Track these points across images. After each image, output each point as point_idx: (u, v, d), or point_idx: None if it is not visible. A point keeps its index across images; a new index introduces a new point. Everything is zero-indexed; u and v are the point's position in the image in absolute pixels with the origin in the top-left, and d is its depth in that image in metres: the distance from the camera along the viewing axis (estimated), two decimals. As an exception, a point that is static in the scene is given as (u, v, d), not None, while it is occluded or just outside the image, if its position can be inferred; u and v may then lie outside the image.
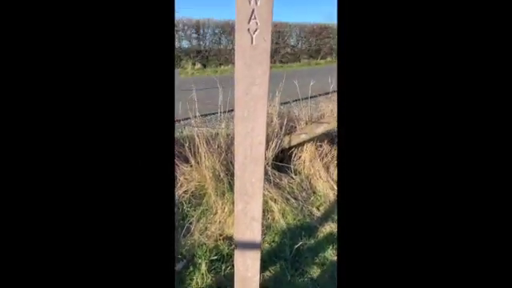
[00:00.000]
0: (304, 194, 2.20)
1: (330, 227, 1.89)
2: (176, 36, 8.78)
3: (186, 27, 9.02)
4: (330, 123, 2.01)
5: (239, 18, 0.70)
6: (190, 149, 1.92)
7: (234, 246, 1.15)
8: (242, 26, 0.70)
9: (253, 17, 0.69)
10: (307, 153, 2.34)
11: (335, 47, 11.39)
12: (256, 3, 0.67)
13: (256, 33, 0.70)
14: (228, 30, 9.20)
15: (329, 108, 2.46)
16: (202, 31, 9.24)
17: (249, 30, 0.70)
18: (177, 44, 8.85)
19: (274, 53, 9.78)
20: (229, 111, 2.28)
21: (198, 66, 8.80)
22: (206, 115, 3.55)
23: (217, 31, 9.34)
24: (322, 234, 1.82)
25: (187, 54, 8.99)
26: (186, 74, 7.82)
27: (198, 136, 1.91)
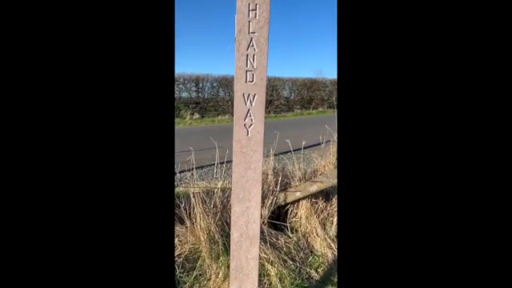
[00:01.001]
0: (301, 254, 2.14)
1: (330, 293, 1.80)
2: (176, 89, 9.38)
3: (186, 81, 9.71)
4: (323, 182, 2.08)
5: (237, 115, 0.81)
6: (186, 209, 1.92)
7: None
8: (239, 121, 0.82)
9: (248, 114, 0.81)
10: (303, 209, 2.35)
11: (326, 98, 12.21)
12: (251, 104, 0.80)
13: (251, 127, 0.81)
14: (225, 83, 9.92)
15: (321, 164, 2.56)
16: (201, 85, 9.93)
17: (245, 125, 0.82)
18: (176, 95, 9.39)
19: (269, 104, 10.38)
20: (227, 162, 2.36)
21: (196, 116, 9.21)
22: (202, 167, 3.61)
23: (215, 84, 10.04)
24: (321, 302, 1.72)
25: (186, 105, 9.48)
26: (184, 124, 8.12)
27: (193, 196, 1.93)
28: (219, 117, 9.30)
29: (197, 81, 9.88)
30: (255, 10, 0.68)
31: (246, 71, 0.76)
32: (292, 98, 11.57)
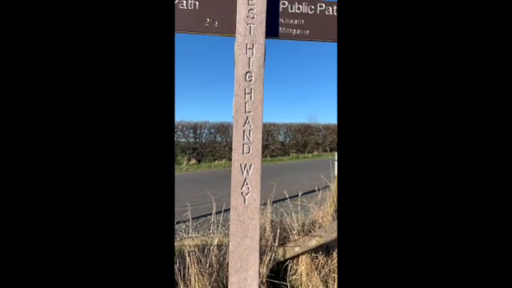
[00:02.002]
0: (304, 319, 1.95)
1: None
2: (175, 136, 9.61)
3: (184, 128, 10.01)
4: (322, 237, 2.02)
5: (234, 183, 0.85)
6: (180, 270, 1.81)
7: None
8: (236, 189, 0.85)
9: (245, 183, 0.84)
10: (303, 265, 2.22)
11: (320, 142, 12.53)
12: (248, 173, 0.84)
13: (248, 195, 0.84)
14: (222, 129, 10.23)
15: (319, 215, 2.51)
16: (198, 131, 10.22)
17: (242, 193, 0.85)
18: (175, 141, 9.57)
19: (265, 148, 10.58)
20: (225, 211, 2.30)
21: (193, 161, 9.25)
22: (197, 218, 3.49)
23: (212, 131, 10.34)
24: None
25: (183, 151, 9.60)
26: (180, 170, 8.09)
27: (189, 255, 1.85)
28: (216, 162, 9.34)
29: (194, 128, 10.19)
30: (250, 93, 0.77)
31: (243, 144, 0.82)
32: (287, 142, 11.86)
